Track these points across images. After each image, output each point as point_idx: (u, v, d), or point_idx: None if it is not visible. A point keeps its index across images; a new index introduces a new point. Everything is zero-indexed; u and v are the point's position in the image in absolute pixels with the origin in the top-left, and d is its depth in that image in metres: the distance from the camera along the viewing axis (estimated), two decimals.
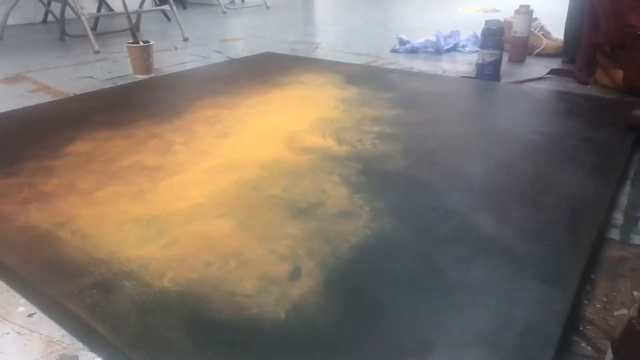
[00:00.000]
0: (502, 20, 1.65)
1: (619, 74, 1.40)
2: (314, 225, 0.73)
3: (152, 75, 1.71)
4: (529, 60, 1.85)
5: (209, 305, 0.57)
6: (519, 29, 1.79)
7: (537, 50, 1.89)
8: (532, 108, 1.30)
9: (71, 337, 0.57)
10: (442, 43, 2.05)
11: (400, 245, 0.69)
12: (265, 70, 1.70)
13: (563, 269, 0.64)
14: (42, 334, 0.57)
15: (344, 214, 0.76)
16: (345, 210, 0.77)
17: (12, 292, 0.65)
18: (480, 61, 1.58)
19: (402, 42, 2.09)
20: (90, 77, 1.72)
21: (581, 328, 0.57)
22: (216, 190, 0.84)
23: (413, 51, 2.06)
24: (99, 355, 0.54)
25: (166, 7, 2.46)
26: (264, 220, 0.75)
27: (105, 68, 1.85)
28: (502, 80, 1.59)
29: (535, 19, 1.87)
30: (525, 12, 1.76)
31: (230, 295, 0.59)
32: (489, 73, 1.57)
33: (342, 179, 0.87)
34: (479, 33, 2.07)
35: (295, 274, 0.62)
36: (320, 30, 2.91)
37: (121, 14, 1.98)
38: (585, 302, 0.61)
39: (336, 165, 0.92)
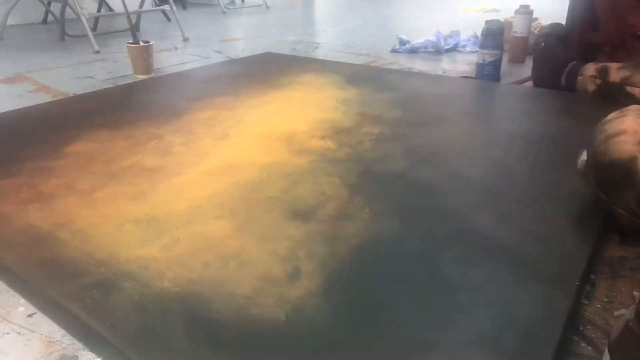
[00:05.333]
0: (502, 20, 1.65)
1: None
2: (314, 227, 0.73)
3: (152, 75, 1.71)
4: (529, 60, 1.85)
5: (209, 306, 0.57)
6: (519, 29, 1.79)
7: None
8: (532, 108, 1.30)
9: (71, 337, 0.57)
10: (442, 43, 2.05)
11: (400, 247, 0.69)
12: (265, 70, 1.70)
13: (563, 269, 0.64)
14: (42, 334, 0.57)
15: (343, 216, 0.76)
16: (345, 212, 0.77)
17: (12, 292, 0.65)
18: (480, 61, 1.58)
19: (402, 42, 2.09)
20: (90, 77, 1.72)
21: (581, 328, 0.57)
22: (216, 191, 0.84)
23: (413, 51, 2.06)
24: (99, 355, 0.54)
25: (166, 7, 2.46)
26: (264, 221, 0.75)
27: (105, 68, 1.85)
28: (502, 80, 1.59)
29: (536, 19, 1.87)
30: (525, 12, 1.76)
31: (230, 296, 0.59)
32: (489, 73, 1.57)
33: (342, 181, 0.87)
34: (479, 33, 2.08)
35: (295, 275, 0.62)
36: (320, 30, 2.91)
37: (121, 14, 1.98)
38: (585, 302, 0.61)
39: (336, 168, 0.92)
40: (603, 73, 1.28)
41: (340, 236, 0.70)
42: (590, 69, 1.32)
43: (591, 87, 1.31)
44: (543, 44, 1.47)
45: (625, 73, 1.23)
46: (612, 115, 0.77)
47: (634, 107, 0.75)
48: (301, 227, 0.73)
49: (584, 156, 0.77)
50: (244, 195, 0.82)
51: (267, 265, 0.64)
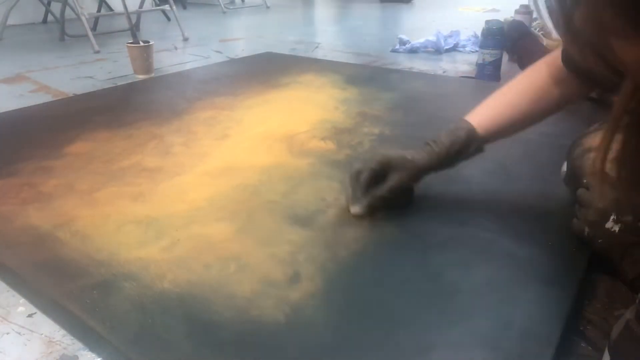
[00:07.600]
0: (502, 20, 1.65)
1: None
2: (314, 232, 0.72)
3: (152, 75, 1.71)
4: None
5: (209, 307, 0.57)
6: None
7: None
8: None
9: (71, 337, 0.57)
10: (442, 43, 2.05)
11: (400, 250, 0.69)
12: (265, 70, 1.70)
13: (563, 269, 0.64)
14: (42, 334, 0.58)
15: (343, 221, 0.75)
16: (345, 218, 0.76)
17: (12, 292, 0.65)
18: (481, 61, 1.58)
19: (402, 42, 2.09)
20: (90, 77, 1.72)
21: (581, 328, 0.57)
22: (216, 193, 0.84)
23: (413, 51, 2.06)
24: (99, 355, 0.54)
25: (166, 7, 2.46)
26: (264, 225, 0.74)
27: (105, 68, 1.85)
28: (502, 80, 1.59)
29: (536, 19, 1.87)
30: (525, 12, 1.76)
31: (230, 298, 0.59)
32: (489, 73, 1.57)
33: (342, 185, 0.86)
34: (479, 33, 2.08)
35: (295, 278, 0.62)
36: (320, 30, 2.91)
37: (121, 14, 1.98)
38: (586, 302, 0.61)
39: (336, 170, 0.91)
40: None
41: (340, 241, 0.70)
42: None
43: None
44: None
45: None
46: (592, 127, 0.78)
47: None
48: (301, 232, 0.72)
49: (564, 167, 0.78)
50: (245, 198, 0.82)
51: (268, 268, 0.64)
